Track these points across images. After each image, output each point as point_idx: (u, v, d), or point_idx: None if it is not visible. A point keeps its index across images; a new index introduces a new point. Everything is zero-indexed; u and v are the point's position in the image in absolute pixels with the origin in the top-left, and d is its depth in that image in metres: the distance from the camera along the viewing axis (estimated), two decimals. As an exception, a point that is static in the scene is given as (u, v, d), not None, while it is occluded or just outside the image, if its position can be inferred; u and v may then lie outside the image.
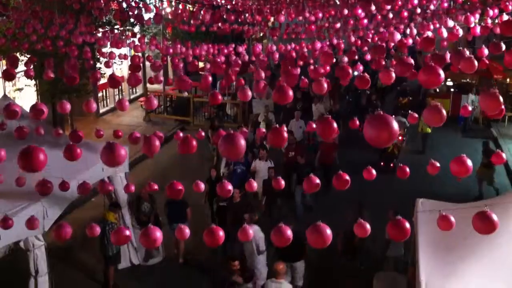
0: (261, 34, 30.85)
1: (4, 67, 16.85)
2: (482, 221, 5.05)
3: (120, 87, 23.89)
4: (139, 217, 11.95)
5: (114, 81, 8.61)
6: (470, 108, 8.67)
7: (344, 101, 24.24)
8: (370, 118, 3.26)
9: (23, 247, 9.07)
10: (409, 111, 8.81)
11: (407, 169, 7.44)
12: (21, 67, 13.45)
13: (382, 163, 17.14)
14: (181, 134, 8.10)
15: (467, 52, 5.56)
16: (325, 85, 5.84)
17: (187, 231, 5.78)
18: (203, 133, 9.03)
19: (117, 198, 11.45)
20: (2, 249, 8.89)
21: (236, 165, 14.44)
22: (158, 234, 4.49)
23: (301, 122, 18.22)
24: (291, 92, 4.56)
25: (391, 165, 17.41)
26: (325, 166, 15.55)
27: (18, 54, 14.19)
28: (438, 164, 7.14)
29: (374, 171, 7.17)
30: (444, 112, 4.22)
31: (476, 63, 5.48)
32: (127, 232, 4.95)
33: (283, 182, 7.40)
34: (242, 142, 3.73)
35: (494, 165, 14.61)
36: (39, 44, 13.52)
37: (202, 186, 7.91)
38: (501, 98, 4.02)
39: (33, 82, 17.84)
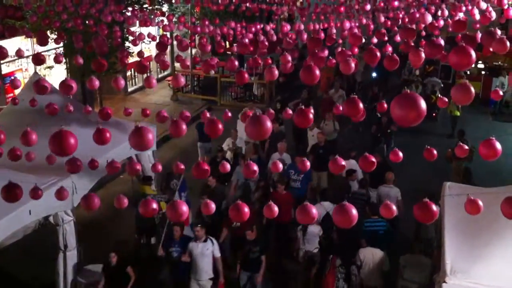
0: (289, 14, 30.52)
1: (35, 45, 17.05)
2: (511, 207, 4.99)
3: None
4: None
5: (141, 67, 8.72)
6: (501, 93, 8.56)
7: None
8: (398, 97, 3.23)
9: (52, 222, 9.26)
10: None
11: (435, 151, 7.40)
12: (51, 45, 13.57)
13: None
14: (208, 115, 8.12)
15: (499, 33, 5.46)
16: (353, 65, 5.74)
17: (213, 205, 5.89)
18: (229, 114, 8.99)
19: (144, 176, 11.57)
20: (32, 224, 9.07)
21: (171, 245, 9.89)
22: (185, 208, 4.54)
23: (286, 156, 13.31)
24: (318, 72, 4.53)
25: (434, 114, 19.56)
26: (280, 224, 10.98)
27: (48, 32, 14.31)
28: (466, 147, 7.11)
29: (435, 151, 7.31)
30: (473, 90, 4.14)
31: (508, 44, 5.39)
32: (154, 205, 5.04)
33: None
34: (268, 123, 3.73)
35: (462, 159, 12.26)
36: (69, 22, 13.64)
37: (228, 166, 7.99)
38: None
39: (63, 60, 18.00)
